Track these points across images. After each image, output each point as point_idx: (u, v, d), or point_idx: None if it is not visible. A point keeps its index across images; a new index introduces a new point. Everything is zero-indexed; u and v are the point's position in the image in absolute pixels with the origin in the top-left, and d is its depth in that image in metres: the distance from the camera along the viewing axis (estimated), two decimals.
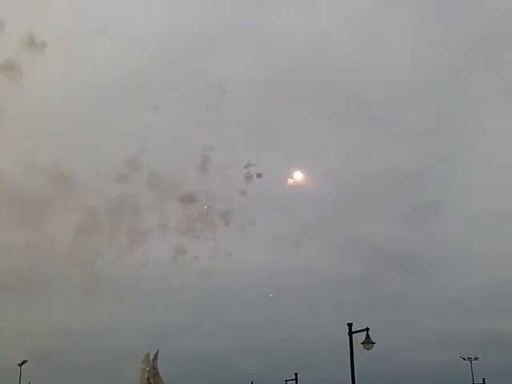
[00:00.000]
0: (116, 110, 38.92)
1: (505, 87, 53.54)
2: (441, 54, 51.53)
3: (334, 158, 49.51)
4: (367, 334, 25.30)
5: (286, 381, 39.72)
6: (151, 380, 22.83)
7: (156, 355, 23.13)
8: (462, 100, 52.94)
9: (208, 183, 34.87)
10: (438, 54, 51.37)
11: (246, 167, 34.51)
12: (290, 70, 46.35)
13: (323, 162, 47.44)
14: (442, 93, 52.32)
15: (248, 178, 34.35)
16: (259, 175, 34.34)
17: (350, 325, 25.39)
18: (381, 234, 51.55)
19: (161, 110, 36.35)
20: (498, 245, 49.92)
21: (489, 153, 52.82)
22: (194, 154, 34.77)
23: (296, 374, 39.69)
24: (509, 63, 52.17)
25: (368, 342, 25.19)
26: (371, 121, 50.38)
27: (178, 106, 38.78)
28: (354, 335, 25.27)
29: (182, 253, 33.72)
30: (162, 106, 36.36)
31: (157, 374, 22.83)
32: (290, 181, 36.37)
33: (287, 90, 46.76)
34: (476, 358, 47.67)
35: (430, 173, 53.75)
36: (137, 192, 34.19)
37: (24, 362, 39.82)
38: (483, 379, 46.29)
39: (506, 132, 52.73)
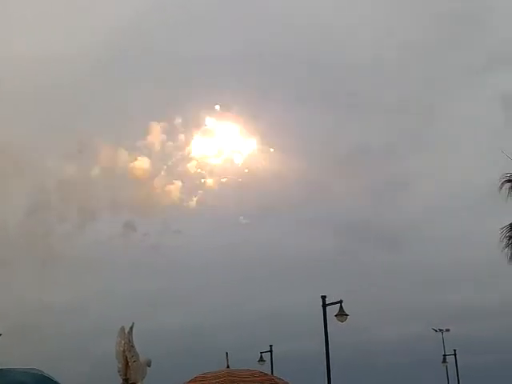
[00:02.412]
0: (79, 86, 38.58)
1: (472, 66, 53.97)
2: (408, 31, 51.68)
3: (301, 134, 49.50)
4: (341, 306, 25.75)
5: (261, 353, 40.15)
6: (126, 353, 22.77)
7: (131, 328, 23.04)
8: (429, 78, 53.23)
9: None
10: (404, 31, 51.52)
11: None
12: (257, 45, 46.46)
13: (291, 138, 47.60)
14: (408, 71, 52.63)
15: None
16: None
17: (323, 297, 25.76)
18: (351, 209, 51.94)
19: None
20: (465, 219, 50.75)
21: (456, 130, 53.38)
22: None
23: (271, 346, 40.21)
24: (475, 43, 52.61)
25: (342, 314, 25.65)
26: (339, 98, 50.50)
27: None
28: (328, 308, 25.67)
29: (133, 229, 33.44)
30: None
31: (132, 346, 22.70)
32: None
33: (255, 64, 46.87)
34: (447, 330, 48.56)
35: (398, 149, 54.21)
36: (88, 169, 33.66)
37: None
38: (454, 350, 47.23)
39: (472, 110, 53.28)
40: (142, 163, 32.71)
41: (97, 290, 41.16)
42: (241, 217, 42.57)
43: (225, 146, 33.94)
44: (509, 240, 21.95)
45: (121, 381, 23.23)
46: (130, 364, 22.77)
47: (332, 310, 25.79)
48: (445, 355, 47.63)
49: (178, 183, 33.75)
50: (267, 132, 39.79)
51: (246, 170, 35.12)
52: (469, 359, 47.25)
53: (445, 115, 54.05)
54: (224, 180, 35.42)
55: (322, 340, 25.29)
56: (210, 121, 34.27)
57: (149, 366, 23.52)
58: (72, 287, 40.01)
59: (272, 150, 36.77)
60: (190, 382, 11.38)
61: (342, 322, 25.73)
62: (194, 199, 34.34)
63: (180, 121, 35.09)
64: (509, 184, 21.86)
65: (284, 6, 48.76)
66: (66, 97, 38.40)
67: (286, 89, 48.59)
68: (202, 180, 33.95)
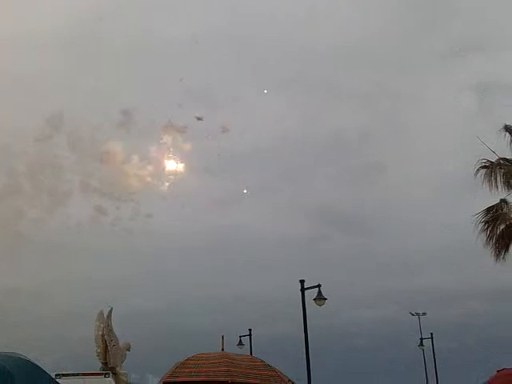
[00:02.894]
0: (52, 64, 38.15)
1: (445, 51, 54.43)
2: (381, 17, 51.97)
3: (277, 119, 49.75)
4: (319, 290, 25.92)
5: (240, 336, 40.36)
6: (106, 337, 22.80)
7: (110, 313, 23.05)
8: (403, 64, 53.61)
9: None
10: (378, 17, 51.85)
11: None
12: (231, 30, 46.34)
13: (267, 123, 47.79)
14: (383, 57, 52.92)
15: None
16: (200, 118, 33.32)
17: (302, 281, 25.89)
18: (327, 195, 52.39)
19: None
20: (441, 206, 51.35)
21: (431, 116, 53.95)
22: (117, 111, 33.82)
23: (250, 330, 40.41)
24: (448, 29, 53.02)
25: (320, 298, 25.85)
26: (315, 83, 50.71)
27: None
28: (306, 292, 25.85)
29: (104, 213, 33.16)
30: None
31: (111, 330, 22.80)
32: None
33: (231, 49, 46.80)
34: (424, 313, 49.19)
35: (374, 135, 54.71)
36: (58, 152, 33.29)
37: None
38: (431, 334, 47.93)
39: (446, 95, 53.85)
40: (115, 147, 32.37)
41: (67, 274, 40.95)
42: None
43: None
44: (484, 225, 22.21)
45: (100, 365, 23.34)
46: (109, 348, 22.87)
47: (310, 294, 26.01)
48: (421, 338, 48.29)
49: (150, 167, 33.48)
50: (243, 116, 39.96)
51: (219, 155, 35.06)
52: (444, 343, 48.02)
53: (419, 101, 54.62)
54: (198, 164, 35.37)
55: (300, 323, 25.50)
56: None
57: (128, 351, 23.62)
58: (42, 272, 39.79)
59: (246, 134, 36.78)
60: (185, 360, 11.30)
61: (321, 305, 25.93)
62: (167, 183, 34.15)
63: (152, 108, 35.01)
64: (484, 170, 22.08)
65: None
66: (35, 75, 37.89)
67: (260, 75, 48.71)
68: (175, 164, 33.74)
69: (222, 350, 11.69)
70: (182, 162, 33.37)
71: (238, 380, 10.58)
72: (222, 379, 10.56)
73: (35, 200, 32.90)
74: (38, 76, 37.89)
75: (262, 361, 11.94)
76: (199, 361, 11.04)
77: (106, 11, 40.78)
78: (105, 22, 39.45)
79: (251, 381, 10.72)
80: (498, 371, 8.36)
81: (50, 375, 8.00)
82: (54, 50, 39.23)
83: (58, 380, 13.93)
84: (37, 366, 7.44)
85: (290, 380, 11.41)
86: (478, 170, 22.14)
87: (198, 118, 32.72)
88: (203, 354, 11.42)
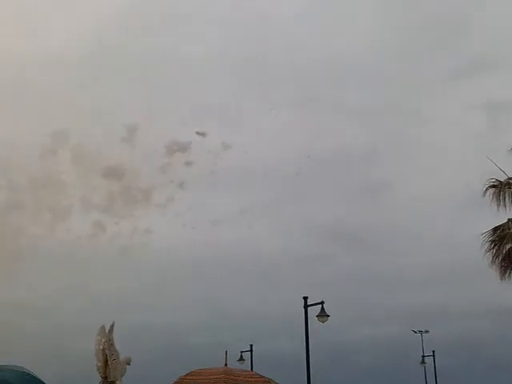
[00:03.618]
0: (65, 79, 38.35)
1: (456, 70, 54.47)
2: (392, 34, 52.09)
3: (284, 136, 49.78)
4: (322, 307, 25.81)
5: (242, 352, 40.15)
6: (106, 351, 22.54)
7: (112, 327, 22.85)
8: (413, 82, 53.62)
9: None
10: (389, 34, 51.96)
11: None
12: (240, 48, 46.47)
13: (277, 140, 47.85)
14: (391, 74, 52.99)
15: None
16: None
17: (305, 298, 25.82)
18: (331, 213, 52.19)
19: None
20: (447, 224, 51.16)
21: (439, 134, 53.79)
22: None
23: (251, 346, 40.22)
24: (459, 47, 53.13)
25: (323, 315, 25.72)
26: (321, 100, 50.83)
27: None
28: (309, 309, 25.72)
29: (103, 230, 33.00)
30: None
31: (112, 344, 22.55)
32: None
33: (239, 66, 46.94)
34: (426, 331, 48.99)
35: (380, 153, 54.64)
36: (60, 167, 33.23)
37: None
38: (433, 351, 47.66)
39: (455, 114, 53.76)
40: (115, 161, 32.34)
41: (68, 288, 40.78)
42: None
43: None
44: (490, 244, 22.12)
45: (99, 379, 23.08)
46: (109, 362, 22.61)
47: (313, 311, 25.89)
48: (423, 356, 48.03)
49: (150, 182, 33.42)
50: (246, 134, 39.97)
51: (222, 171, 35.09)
52: (446, 360, 47.69)
53: (427, 119, 54.52)
54: (201, 180, 35.34)
55: (302, 340, 25.34)
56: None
57: (128, 365, 23.36)
58: (43, 285, 39.61)
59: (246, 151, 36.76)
60: (186, 376, 11.22)
61: (324, 322, 25.81)
62: (168, 197, 34.11)
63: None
64: (493, 189, 22.01)
65: (260, 7, 48.93)
66: (43, 94, 38.09)
67: (265, 92, 48.82)
68: (176, 178, 33.72)
69: (226, 365, 11.56)
70: (185, 178, 33.41)
71: None
72: None
73: (37, 214, 32.91)
74: (43, 91, 38.08)
75: (261, 376, 11.82)
76: (199, 376, 10.93)
77: (109, 29, 41.07)
78: (109, 39, 39.83)
79: None
80: None
81: None
82: (60, 66, 39.47)
83: None
84: (39, 379, 7.32)
85: None
86: (486, 189, 22.07)
87: (200, 133, 32.80)
88: (203, 369, 11.31)
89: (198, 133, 32.62)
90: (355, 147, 52.25)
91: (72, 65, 39.54)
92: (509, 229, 22.05)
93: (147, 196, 32.69)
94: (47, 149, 32.12)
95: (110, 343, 23.53)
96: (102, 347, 23.35)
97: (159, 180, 33.14)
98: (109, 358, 23.21)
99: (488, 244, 21.99)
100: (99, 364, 23.42)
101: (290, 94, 49.63)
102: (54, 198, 33.53)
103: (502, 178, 22.11)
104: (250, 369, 35.69)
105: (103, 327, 22.97)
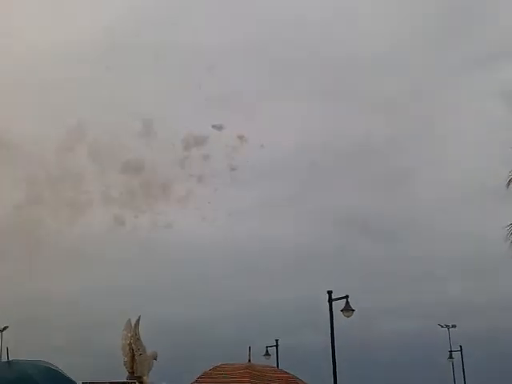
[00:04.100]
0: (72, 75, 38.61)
1: (474, 58, 53.82)
2: (409, 23, 51.66)
3: (307, 126, 49.62)
4: (347, 301, 25.72)
5: (267, 347, 40.23)
6: (133, 346, 22.79)
7: (138, 321, 23.08)
8: (431, 71, 53.15)
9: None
10: (405, 23, 51.57)
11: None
12: (263, 38, 46.32)
13: (296, 131, 47.67)
14: (416, 64, 52.51)
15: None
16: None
17: (329, 292, 25.72)
18: (353, 203, 51.91)
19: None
20: (471, 215, 50.61)
21: (461, 124, 53.25)
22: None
23: (277, 341, 40.27)
24: (476, 35, 52.44)
25: (348, 309, 25.63)
26: (344, 90, 50.60)
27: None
28: (333, 303, 25.65)
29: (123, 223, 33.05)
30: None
31: (138, 339, 22.79)
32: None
33: (259, 58, 46.85)
34: (454, 326, 48.45)
35: (401, 141, 54.15)
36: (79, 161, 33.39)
37: (5, 328, 39.81)
38: (460, 346, 47.20)
39: (474, 102, 53.13)
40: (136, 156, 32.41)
41: (91, 283, 41.17)
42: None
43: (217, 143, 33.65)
44: None
45: (126, 374, 23.33)
46: (136, 357, 22.88)
47: (338, 305, 25.80)
48: (451, 351, 47.60)
49: (171, 176, 33.43)
50: (265, 126, 39.96)
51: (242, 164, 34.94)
52: (474, 355, 47.18)
53: (445, 109, 54.01)
54: (219, 174, 35.28)
55: (328, 334, 25.28)
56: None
57: (155, 359, 23.60)
58: (66, 280, 40.04)
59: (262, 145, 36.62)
60: (209, 370, 11.27)
61: (349, 317, 25.72)
62: (190, 193, 34.14)
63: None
64: None
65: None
66: (60, 87, 38.44)
67: (285, 83, 48.67)
68: (197, 173, 33.72)
69: (249, 360, 11.59)
70: (202, 172, 33.41)
71: None
72: None
73: (57, 208, 33.24)
74: (61, 86, 38.45)
75: (286, 372, 11.83)
76: (222, 371, 10.99)
77: (127, 22, 41.38)
78: (127, 32, 40.07)
79: None
80: None
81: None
82: (79, 60, 39.81)
83: None
84: (63, 374, 7.44)
85: None
86: (510, 179, 21.83)
87: (216, 127, 32.74)
88: (227, 364, 11.37)
89: (214, 126, 32.57)
90: (376, 136, 52.03)
91: (87, 59, 39.90)
92: None
93: (166, 190, 32.78)
94: (65, 143, 32.38)
95: (136, 338, 23.77)
96: (128, 342, 23.64)
97: (178, 174, 33.20)
98: (135, 353, 23.49)
99: None
100: (126, 359, 23.70)
101: (309, 84, 49.46)
102: (72, 192, 33.81)
103: None
104: (275, 364, 35.77)
105: (129, 321, 23.24)
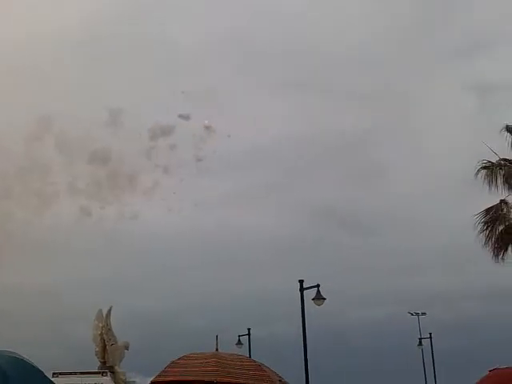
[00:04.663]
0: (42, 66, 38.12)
1: (446, 52, 54.47)
2: (382, 18, 52.01)
3: (281, 119, 49.70)
4: (318, 290, 25.90)
5: (239, 336, 40.39)
6: (104, 336, 22.81)
7: (109, 312, 23.08)
8: (407, 63, 53.58)
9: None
10: (379, 18, 51.89)
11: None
12: (240, 33, 46.36)
13: (269, 123, 47.73)
14: (390, 57, 52.91)
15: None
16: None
17: (301, 281, 25.87)
18: (328, 195, 52.18)
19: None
20: (441, 205, 51.29)
21: (434, 116, 53.88)
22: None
23: (249, 330, 40.44)
24: (449, 30, 53.08)
25: (319, 297, 25.84)
26: (319, 84, 50.70)
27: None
28: (305, 292, 25.84)
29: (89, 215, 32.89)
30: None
31: (109, 329, 22.81)
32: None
33: (233, 50, 46.87)
34: (424, 314, 49.15)
35: (374, 136, 54.62)
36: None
37: None
38: (430, 334, 47.89)
39: (446, 97, 53.78)
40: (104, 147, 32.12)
41: (62, 275, 40.81)
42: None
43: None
44: (483, 225, 22.25)
45: (98, 364, 23.34)
46: (107, 347, 22.89)
47: (309, 294, 25.99)
48: (420, 338, 48.30)
49: (138, 167, 33.18)
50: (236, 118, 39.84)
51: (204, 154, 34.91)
52: (443, 342, 47.98)
53: (419, 102, 54.57)
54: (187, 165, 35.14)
55: (299, 323, 25.48)
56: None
57: (127, 349, 23.62)
58: (37, 272, 39.64)
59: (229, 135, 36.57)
60: (177, 359, 11.31)
61: (319, 305, 25.93)
62: (163, 182, 33.91)
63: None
64: (484, 170, 22.12)
65: None
66: (31, 77, 37.94)
67: (259, 76, 48.70)
68: (163, 163, 33.50)
69: (217, 349, 11.68)
70: (169, 163, 33.14)
71: (226, 380, 10.58)
72: (209, 379, 10.56)
73: (25, 200, 32.80)
74: (30, 75, 37.89)
75: (253, 360, 11.93)
76: (189, 360, 11.05)
77: (99, 13, 40.89)
78: (106, 24, 39.68)
79: (239, 381, 10.71)
80: (489, 371, 8.47)
81: (45, 374, 7.98)
82: (44, 49, 39.24)
83: (55, 379, 13.91)
84: (32, 365, 7.40)
85: (281, 380, 11.38)
86: (478, 170, 22.19)
87: (183, 117, 32.46)
88: (194, 353, 11.43)
89: (181, 116, 32.31)
90: (351, 130, 52.27)
91: (59, 49, 39.40)
92: (501, 210, 22.17)
93: (132, 181, 32.51)
94: (32, 134, 31.87)
95: (107, 328, 23.79)
96: (99, 332, 23.65)
97: (144, 164, 32.95)
98: (107, 343, 23.51)
99: (481, 225, 22.12)
100: (97, 349, 23.73)
101: (283, 79, 49.57)
102: (40, 183, 33.35)
103: (494, 160, 22.22)
104: (247, 353, 35.94)
105: (100, 312, 23.23)
